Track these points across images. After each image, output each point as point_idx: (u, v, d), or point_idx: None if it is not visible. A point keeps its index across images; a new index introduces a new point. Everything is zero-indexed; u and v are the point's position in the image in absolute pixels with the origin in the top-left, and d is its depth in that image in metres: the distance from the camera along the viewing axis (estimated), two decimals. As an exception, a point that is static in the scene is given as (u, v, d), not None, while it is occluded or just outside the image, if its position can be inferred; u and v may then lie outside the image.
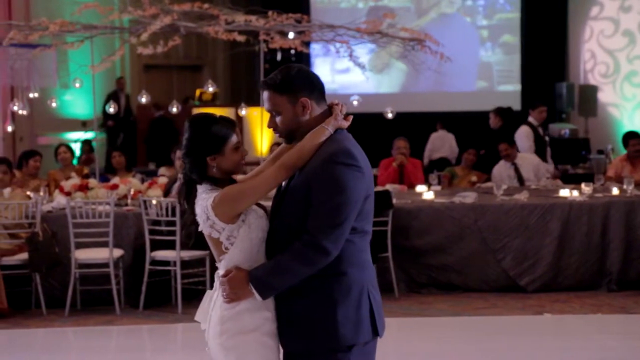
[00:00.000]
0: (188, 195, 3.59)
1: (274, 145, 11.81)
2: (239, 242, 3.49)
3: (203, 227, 3.51)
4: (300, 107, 3.54)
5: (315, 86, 3.59)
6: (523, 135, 11.99)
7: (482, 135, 16.04)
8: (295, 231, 3.47)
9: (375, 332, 3.61)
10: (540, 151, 11.94)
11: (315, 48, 16.51)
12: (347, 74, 18.12)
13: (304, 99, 3.54)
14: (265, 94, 3.58)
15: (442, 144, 16.29)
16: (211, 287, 8.62)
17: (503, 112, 13.35)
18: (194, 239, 3.70)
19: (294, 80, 3.54)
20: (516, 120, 13.73)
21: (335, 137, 3.55)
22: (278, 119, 3.57)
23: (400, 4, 18.66)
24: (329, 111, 3.62)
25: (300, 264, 3.44)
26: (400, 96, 18.18)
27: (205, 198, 3.48)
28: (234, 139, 3.55)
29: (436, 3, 18.74)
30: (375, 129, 14.06)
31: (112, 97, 16.59)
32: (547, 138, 12.09)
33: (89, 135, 16.22)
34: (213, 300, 3.61)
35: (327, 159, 3.46)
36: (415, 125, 15.55)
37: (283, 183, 3.60)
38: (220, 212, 3.44)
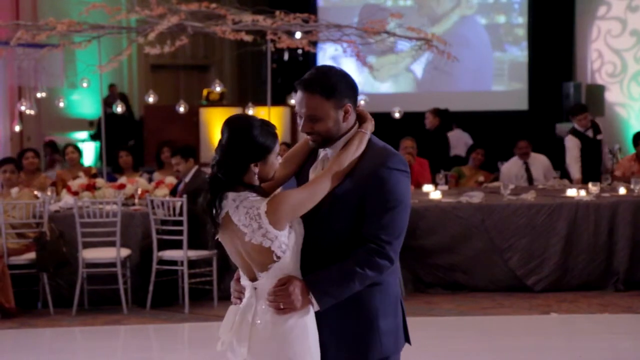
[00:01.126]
0: (216, 200, 3.36)
1: (281, 145, 11.79)
2: (289, 250, 3.32)
3: (252, 237, 3.26)
4: (343, 113, 3.43)
5: (356, 91, 3.49)
6: (570, 146, 11.70)
7: (489, 136, 16.05)
8: (344, 238, 3.39)
9: (407, 339, 3.63)
10: (593, 155, 11.59)
11: (323, 47, 16.50)
12: (354, 73, 18.12)
13: (348, 105, 3.44)
14: (304, 97, 3.40)
15: (457, 142, 16.37)
16: (224, 292, 8.58)
17: (440, 113, 13.40)
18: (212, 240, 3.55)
19: (339, 85, 3.41)
20: (450, 121, 13.77)
21: (372, 141, 3.50)
22: (317, 124, 3.41)
23: (409, 4, 18.65)
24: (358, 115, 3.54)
25: (368, 272, 3.36)
26: (407, 96, 18.15)
27: (253, 205, 3.28)
28: (277, 147, 3.39)
29: (443, 3, 18.72)
30: (382, 129, 14.03)
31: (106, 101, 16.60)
32: (599, 137, 11.64)
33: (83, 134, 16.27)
34: (251, 316, 3.37)
35: (383, 165, 3.38)
36: (423, 125, 15.52)
37: None
38: (277, 219, 3.25)
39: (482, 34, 18.79)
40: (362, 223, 3.39)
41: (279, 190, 3.51)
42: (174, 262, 8.85)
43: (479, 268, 9.39)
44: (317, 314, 3.37)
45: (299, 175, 3.58)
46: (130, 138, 16.48)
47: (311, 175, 3.52)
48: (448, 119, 13.81)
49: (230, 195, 3.33)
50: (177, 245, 8.73)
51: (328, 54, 17.12)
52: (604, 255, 9.39)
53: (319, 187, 3.35)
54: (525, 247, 9.35)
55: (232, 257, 3.45)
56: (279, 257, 3.30)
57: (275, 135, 3.38)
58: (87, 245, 8.73)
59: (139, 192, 9.68)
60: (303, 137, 3.58)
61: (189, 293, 8.83)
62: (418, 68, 18.30)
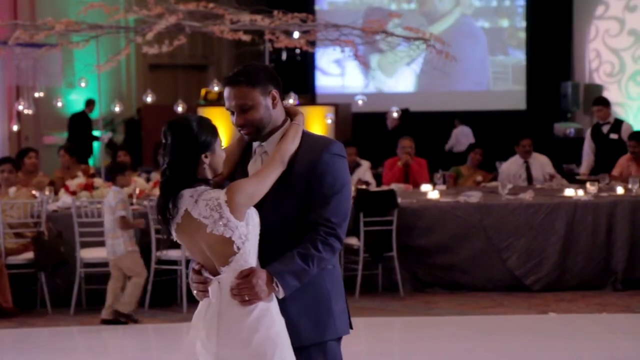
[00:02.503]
0: (169, 202, 3.41)
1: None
2: (248, 240, 3.39)
3: (213, 227, 3.34)
4: (271, 100, 3.57)
5: (279, 80, 3.62)
6: (585, 137, 11.60)
7: (487, 135, 16.05)
8: (291, 224, 3.52)
9: (350, 325, 3.71)
10: (603, 152, 11.46)
11: (323, 49, 16.52)
12: (352, 73, 18.13)
13: (274, 92, 3.57)
14: (231, 90, 3.54)
15: (459, 139, 16.56)
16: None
17: (401, 113, 13.48)
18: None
19: (261, 74, 3.55)
20: (412, 122, 13.81)
21: (307, 132, 3.66)
22: (248, 113, 3.54)
23: (408, 7, 18.66)
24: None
25: (324, 254, 3.48)
26: (406, 96, 18.16)
27: (212, 197, 3.36)
28: (219, 138, 3.50)
29: (443, 4, 18.74)
30: (380, 129, 14.06)
31: (76, 118, 16.62)
32: (612, 136, 11.48)
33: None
34: (217, 310, 3.41)
35: (327, 151, 3.55)
36: (421, 124, 15.54)
37: None
38: (236, 208, 3.34)
39: (481, 34, 18.81)
40: (308, 208, 3.53)
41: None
42: (172, 262, 8.85)
43: (477, 268, 9.39)
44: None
45: (236, 172, 3.65)
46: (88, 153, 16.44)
47: (251, 171, 3.62)
48: (408, 118, 13.94)
49: (186, 192, 3.40)
50: (176, 245, 8.70)
51: (326, 54, 17.13)
52: (602, 255, 9.39)
53: (268, 175, 3.46)
54: (524, 246, 9.35)
55: (193, 255, 3.51)
56: (239, 248, 3.37)
57: (214, 127, 3.50)
58: (85, 245, 8.72)
59: (137, 191, 9.67)
60: (233, 138, 3.67)
61: (188, 293, 8.82)
62: (416, 68, 18.32)
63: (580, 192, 9.71)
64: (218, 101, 16.22)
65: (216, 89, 12.62)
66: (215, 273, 3.43)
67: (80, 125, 16.53)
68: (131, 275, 8.28)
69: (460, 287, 9.40)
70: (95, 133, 16.76)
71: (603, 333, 7.95)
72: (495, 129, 17.15)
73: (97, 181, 9.95)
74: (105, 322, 8.22)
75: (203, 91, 16.31)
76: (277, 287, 3.40)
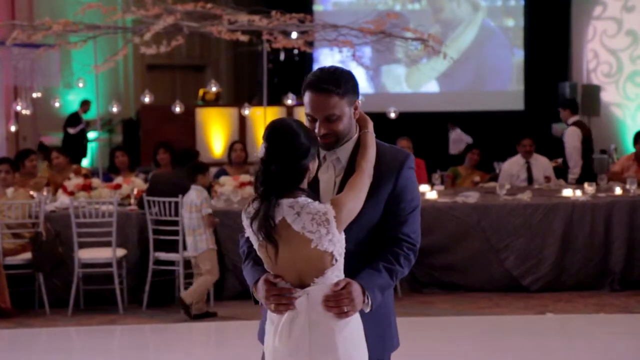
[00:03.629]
0: (274, 207, 3.24)
1: (236, 143, 11.77)
2: (343, 253, 3.29)
3: (318, 243, 3.19)
4: (354, 109, 3.50)
5: (358, 87, 3.55)
6: (571, 136, 11.70)
7: (485, 135, 16.07)
8: (369, 237, 3.46)
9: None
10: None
11: (319, 47, 16.52)
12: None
13: (357, 102, 3.51)
14: (321, 98, 3.41)
15: (457, 143, 16.66)
16: (220, 293, 8.60)
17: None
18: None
19: (349, 83, 3.45)
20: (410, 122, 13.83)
21: (378, 141, 3.60)
22: (334, 124, 3.43)
23: (412, 7, 18.67)
24: None
25: (405, 269, 3.48)
26: (404, 96, 18.18)
27: (318, 211, 3.20)
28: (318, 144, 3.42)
29: (442, 5, 18.75)
30: (377, 129, 14.04)
31: (70, 119, 16.64)
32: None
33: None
34: (307, 324, 3.25)
35: (406, 165, 3.50)
36: (419, 125, 15.57)
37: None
38: (341, 223, 3.24)
39: (479, 35, 18.81)
40: (386, 222, 3.47)
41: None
42: (170, 263, 8.85)
43: (475, 268, 9.40)
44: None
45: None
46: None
47: (322, 179, 3.50)
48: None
49: (285, 201, 3.24)
50: (173, 245, 8.73)
51: (324, 54, 17.14)
52: (600, 255, 9.40)
53: (362, 188, 3.36)
54: (522, 247, 9.35)
55: (278, 264, 3.30)
56: (336, 261, 3.26)
57: (314, 133, 3.41)
58: (83, 246, 8.73)
59: (135, 192, 9.67)
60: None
61: (185, 293, 8.83)
62: (414, 68, 18.31)
63: (578, 193, 9.72)
64: (215, 101, 16.27)
65: (214, 89, 12.62)
66: (305, 284, 3.27)
67: (72, 125, 16.56)
68: (206, 272, 8.38)
69: (458, 287, 9.41)
70: (88, 134, 16.82)
71: (601, 333, 7.96)
72: (493, 129, 17.18)
73: (95, 181, 9.95)
74: (196, 316, 8.34)
75: (201, 91, 16.34)
76: (368, 300, 3.32)
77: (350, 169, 3.45)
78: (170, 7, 10.55)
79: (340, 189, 3.41)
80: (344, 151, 3.51)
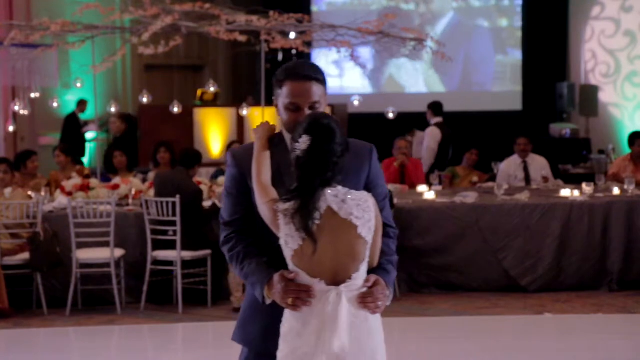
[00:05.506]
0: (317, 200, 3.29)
1: (234, 143, 11.77)
2: None
3: (362, 230, 3.27)
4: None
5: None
6: (429, 136, 12.47)
7: (483, 135, 16.06)
8: None
9: None
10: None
11: (317, 48, 16.52)
12: (349, 73, 18.11)
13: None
14: (308, 85, 3.48)
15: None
16: (218, 293, 8.59)
17: (127, 118, 13.67)
18: None
19: (324, 74, 3.56)
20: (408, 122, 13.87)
21: None
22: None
23: (407, 7, 18.66)
24: None
25: (396, 256, 3.60)
26: (402, 96, 18.17)
27: (361, 198, 3.30)
28: None
29: (440, 5, 18.74)
30: (376, 129, 14.06)
31: (68, 119, 16.63)
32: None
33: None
34: (349, 320, 3.25)
35: (372, 152, 3.63)
36: (418, 125, 15.55)
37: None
38: (377, 213, 3.36)
39: (477, 35, 18.81)
40: None
41: None
42: (168, 263, 8.85)
43: (473, 268, 9.40)
44: None
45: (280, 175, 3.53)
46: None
47: None
48: (133, 122, 14.13)
49: (329, 191, 3.29)
50: (172, 245, 8.72)
51: (322, 54, 17.14)
52: (598, 256, 9.40)
53: None
54: (520, 247, 9.36)
55: (314, 260, 3.27)
56: (366, 255, 3.32)
57: None
58: (81, 246, 8.72)
59: (133, 192, 9.67)
60: (257, 140, 3.52)
61: (183, 293, 8.83)
62: (412, 68, 18.31)
63: (576, 193, 9.73)
64: (213, 102, 16.24)
65: (212, 89, 12.61)
66: (341, 281, 3.26)
67: (70, 125, 16.55)
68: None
69: (456, 287, 9.41)
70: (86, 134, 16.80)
71: (599, 333, 7.96)
72: (491, 130, 17.17)
73: (93, 182, 9.95)
74: (236, 310, 8.40)
75: (199, 92, 16.30)
76: (390, 294, 3.42)
77: None
78: (168, 7, 10.55)
79: None
80: None
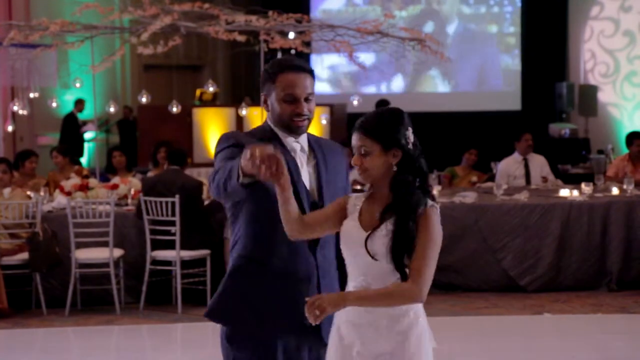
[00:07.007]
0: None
1: None
2: None
3: None
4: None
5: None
6: None
7: (483, 135, 16.05)
8: None
9: None
10: None
11: (316, 47, 16.52)
12: (348, 73, 18.13)
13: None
14: (303, 79, 3.57)
15: None
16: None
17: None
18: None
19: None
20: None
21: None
22: (311, 104, 3.62)
23: (402, 13, 18.67)
24: None
25: None
26: (401, 96, 18.18)
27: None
28: None
29: (432, 2, 18.75)
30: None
31: (66, 119, 16.65)
32: None
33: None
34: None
35: (344, 150, 3.84)
36: (416, 125, 15.58)
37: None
38: None
39: (477, 35, 18.82)
40: None
41: None
42: (167, 263, 8.85)
43: (472, 268, 9.39)
44: None
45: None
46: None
47: (310, 172, 3.64)
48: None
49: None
50: (171, 245, 8.72)
51: (322, 54, 17.14)
52: (597, 256, 9.40)
53: None
54: (519, 247, 9.35)
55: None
56: None
57: None
58: (80, 246, 8.72)
59: (132, 192, 9.67)
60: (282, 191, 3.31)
61: (182, 293, 8.83)
62: (411, 68, 18.31)
63: (575, 193, 9.72)
64: (213, 102, 16.25)
65: (211, 89, 12.61)
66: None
67: (68, 125, 16.56)
68: None
69: (455, 287, 9.40)
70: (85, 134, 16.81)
71: (598, 333, 7.96)
72: (491, 130, 17.17)
73: (92, 182, 9.94)
74: None
75: (198, 92, 16.31)
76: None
77: (312, 155, 3.61)
78: (167, 7, 10.55)
79: (317, 177, 3.58)
80: (304, 138, 3.62)
